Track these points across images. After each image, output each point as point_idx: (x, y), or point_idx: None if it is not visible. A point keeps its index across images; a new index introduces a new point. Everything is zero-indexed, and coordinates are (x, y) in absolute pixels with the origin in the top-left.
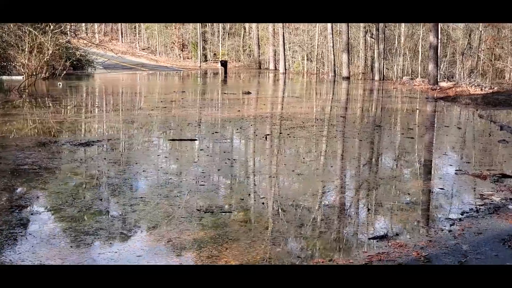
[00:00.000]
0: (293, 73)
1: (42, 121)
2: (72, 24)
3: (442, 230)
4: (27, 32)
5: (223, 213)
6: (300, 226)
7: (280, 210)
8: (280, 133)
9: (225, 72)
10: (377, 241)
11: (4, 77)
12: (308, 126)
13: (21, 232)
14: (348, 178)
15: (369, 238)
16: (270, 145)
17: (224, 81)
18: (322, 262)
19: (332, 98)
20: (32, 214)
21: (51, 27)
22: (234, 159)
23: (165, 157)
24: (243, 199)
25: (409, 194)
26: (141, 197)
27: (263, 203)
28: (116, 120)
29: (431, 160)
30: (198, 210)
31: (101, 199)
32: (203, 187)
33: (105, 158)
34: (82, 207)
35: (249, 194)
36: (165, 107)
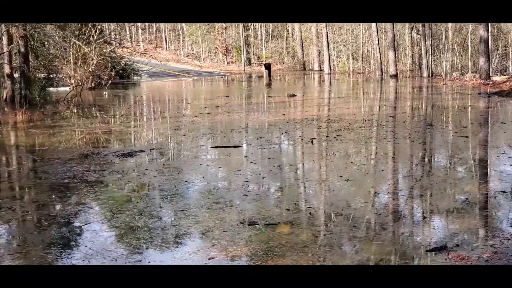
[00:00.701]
0: (339, 73)
1: (86, 132)
2: (116, 33)
3: (509, 239)
4: (72, 43)
5: (268, 226)
6: (351, 239)
7: (328, 221)
8: (327, 136)
9: (269, 75)
10: (435, 254)
11: (51, 89)
12: (356, 128)
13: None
14: (401, 183)
15: (427, 251)
16: (317, 149)
17: (269, 84)
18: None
19: (380, 97)
20: (70, 231)
21: (95, 37)
22: (279, 166)
23: (208, 165)
24: (288, 210)
25: (467, 198)
26: (182, 210)
27: (310, 213)
28: (160, 128)
29: (489, 160)
30: (241, 222)
31: (141, 213)
32: (247, 197)
33: (147, 169)
34: (119, 223)
35: (296, 204)
36: (209, 113)
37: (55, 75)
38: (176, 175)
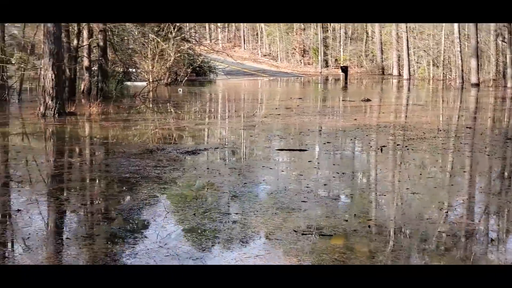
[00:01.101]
0: (418, 79)
1: (156, 127)
2: (195, 31)
3: None
4: (151, 39)
5: (323, 236)
6: (409, 257)
7: (387, 238)
8: (398, 144)
9: (346, 78)
10: None
11: (129, 83)
12: (429, 138)
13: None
14: (475, 202)
15: None
16: (385, 158)
17: (344, 87)
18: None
19: (459, 106)
20: (120, 228)
21: (173, 34)
22: (343, 173)
23: (270, 168)
24: (347, 221)
25: None
26: (237, 212)
27: (369, 226)
28: (228, 127)
29: None
30: (295, 231)
31: (194, 214)
32: (304, 204)
33: (208, 168)
34: (171, 222)
35: (355, 215)
36: (279, 114)
37: (132, 69)
38: (236, 176)
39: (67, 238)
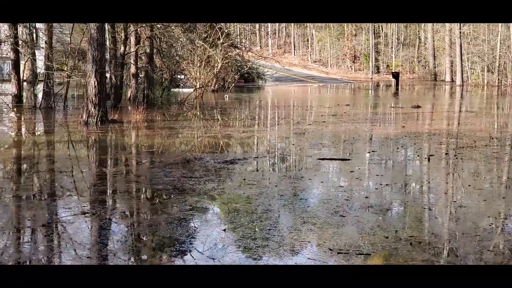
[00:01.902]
0: (471, 85)
1: (197, 135)
2: (243, 37)
3: None
4: (198, 45)
5: (359, 255)
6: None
7: (432, 258)
8: (446, 153)
9: (397, 84)
10: None
11: (176, 90)
12: (480, 146)
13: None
14: None
15: None
16: (433, 167)
17: (395, 93)
18: None
19: None
20: (145, 245)
21: (221, 40)
22: (386, 184)
23: (309, 179)
24: (387, 237)
25: None
26: (269, 228)
27: (411, 244)
28: (270, 135)
29: None
30: (330, 249)
31: (224, 230)
32: (343, 219)
33: (244, 179)
34: (197, 238)
35: (396, 231)
36: (324, 121)
37: (179, 76)
38: (273, 188)
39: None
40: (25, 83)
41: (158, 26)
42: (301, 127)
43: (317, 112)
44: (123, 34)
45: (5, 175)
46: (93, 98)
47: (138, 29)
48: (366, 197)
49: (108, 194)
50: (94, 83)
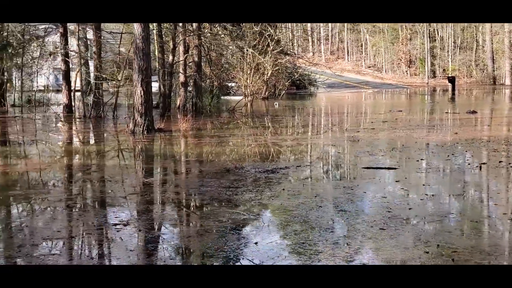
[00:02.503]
0: None
1: (242, 143)
2: (293, 43)
3: None
4: (248, 53)
5: None
6: None
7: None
8: (500, 161)
9: (453, 89)
10: None
11: (226, 97)
12: None
13: None
14: None
15: None
16: (484, 177)
17: (451, 98)
18: None
19: None
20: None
21: (271, 47)
22: (432, 195)
23: (351, 188)
24: (428, 253)
25: None
26: (303, 242)
27: (452, 260)
28: (316, 143)
29: None
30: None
31: (256, 243)
32: (382, 232)
33: (283, 189)
34: (216, 256)
35: (438, 245)
36: (373, 128)
37: (230, 84)
38: (313, 198)
39: None
40: (77, 93)
41: (207, 34)
42: (350, 134)
43: (368, 118)
44: (171, 43)
45: (49, 184)
46: (140, 108)
47: (186, 38)
48: (410, 209)
49: (141, 205)
50: (140, 93)
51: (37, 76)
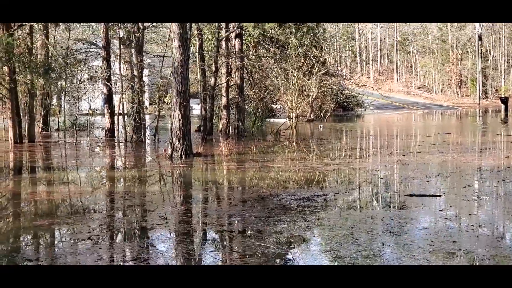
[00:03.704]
0: None
1: (280, 168)
2: (339, 64)
3: None
4: (292, 75)
5: None
6: None
7: None
8: None
9: (506, 110)
10: None
11: (271, 120)
12: None
13: None
14: None
15: None
16: None
17: (504, 120)
18: None
19: None
20: None
21: (316, 68)
22: (479, 226)
23: (391, 219)
24: None
25: None
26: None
27: None
28: (358, 168)
29: None
30: None
31: None
32: None
33: (318, 219)
34: None
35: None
36: (420, 152)
37: (274, 106)
38: (349, 230)
39: None
40: (120, 117)
41: (250, 56)
42: (395, 158)
43: (414, 141)
44: (213, 66)
45: (78, 212)
46: (178, 132)
47: (229, 61)
48: (453, 242)
49: (165, 235)
50: (178, 116)
51: (78, 100)
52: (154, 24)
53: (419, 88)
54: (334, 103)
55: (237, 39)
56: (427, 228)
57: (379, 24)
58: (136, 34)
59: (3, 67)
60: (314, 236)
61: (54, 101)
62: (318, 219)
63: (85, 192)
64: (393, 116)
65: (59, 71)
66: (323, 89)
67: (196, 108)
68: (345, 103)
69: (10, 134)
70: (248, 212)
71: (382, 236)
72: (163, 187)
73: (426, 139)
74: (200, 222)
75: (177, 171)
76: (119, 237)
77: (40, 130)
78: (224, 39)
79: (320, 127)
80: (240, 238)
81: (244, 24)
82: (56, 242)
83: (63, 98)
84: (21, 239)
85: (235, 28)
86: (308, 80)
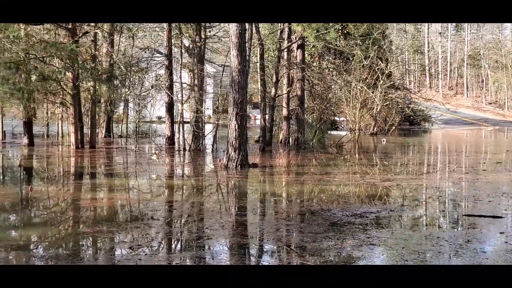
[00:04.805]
0: None
1: (335, 182)
2: (405, 77)
3: None
4: (355, 87)
5: None
6: None
7: None
8: None
9: None
10: None
11: (332, 132)
12: None
13: None
14: None
15: None
16: None
17: None
18: None
19: None
20: None
21: (381, 80)
22: None
23: (446, 240)
24: None
25: None
26: None
27: None
28: (416, 184)
29: None
30: None
31: None
32: None
33: (368, 237)
34: None
35: None
36: (485, 170)
37: (337, 118)
38: (400, 250)
39: None
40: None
41: (312, 68)
42: (457, 175)
43: (479, 158)
44: (274, 76)
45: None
46: (233, 142)
47: (290, 72)
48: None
49: (205, 248)
50: (235, 126)
51: (141, 107)
52: (216, 34)
53: (490, 104)
54: (400, 116)
55: (299, 50)
56: (485, 251)
57: (449, 37)
58: (198, 44)
59: (67, 73)
60: (362, 256)
61: (120, 108)
62: (368, 238)
63: (142, 199)
64: (461, 132)
65: (121, 79)
66: (387, 102)
67: (259, 118)
68: (411, 117)
69: (72, 139)
70: (295, 227)
71: (433, 258)
72: (212, 198)
73: (493, 156)
74: (242, 236)
75: (231, 182)
76: (175, 245)
77: (102, 136)
78: (286, 50)
79: (383, 141)
80: (281, 255)
81: (307, 35)
82: (114, 247)
83: (127, 105)
84: (80, 243)
85: (297, 38)
86: (372, 92)
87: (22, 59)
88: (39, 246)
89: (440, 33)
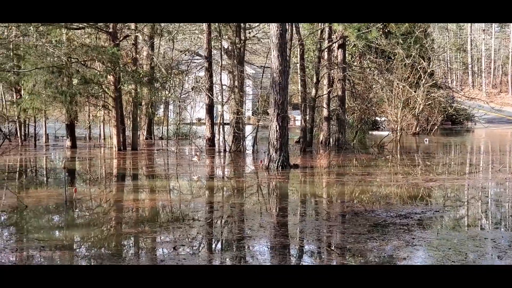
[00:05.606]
0: None
1: (378, 183)
2: (448, 75)
3: None
4: (400, 87)
5: None
6: None
7: None
8: None
9: None
10: None
11: (374, 133)
12: None
13: None
14: None
15: None
16: None
17: None
18: None
19: None
20: None
21: (423, 79)
22: None
23: (481, 246)
24: None
25: None
26: None
27: None
28: (460, 185)
29: None
30: None
31: None
32: None
33: (413, 238)
34: None
35: None
36: None
37: (379, 118)
38: (444, 251)
39: None
40: (221, 126)
41: (353, 67)
42: (502, 176)
43: None
44: (314, 77)
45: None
46: (275, 143)
47: (331, 72)
48: None
49: (245, 248)
50: (276, 127)
51: (181, 109)
52: (256, 35)
53: None
54: (442, 116)
55: (339, 50)
56: None
57: (493, 34)
58: (237, 45)
59: (108, 76)
60: (406, 257)
61: (161, 110)
62: (413, 239)
63: (183, 200)
64: (506, 131)
65: (161, 81)
66: (430, 102)
67: (299, 120)
68: (454, 116)
69: (114, 141)
70: (339, 228)
71: (479, 262)
72: (254, 199)
73: None
74: (283, 236)
75: (273, 183)
76: (216, 245)
77: (144, 138)
78: (326, 50)
79: (426, 140)
80: (323, 256)
81: (348, 34)
82: (156, 247)
83: (167, 107)
84: (123, 243)
85: (338, 38)
86: (415, 92)
87: (64, 63)
88: (83, 246)
89: (483, 30)
